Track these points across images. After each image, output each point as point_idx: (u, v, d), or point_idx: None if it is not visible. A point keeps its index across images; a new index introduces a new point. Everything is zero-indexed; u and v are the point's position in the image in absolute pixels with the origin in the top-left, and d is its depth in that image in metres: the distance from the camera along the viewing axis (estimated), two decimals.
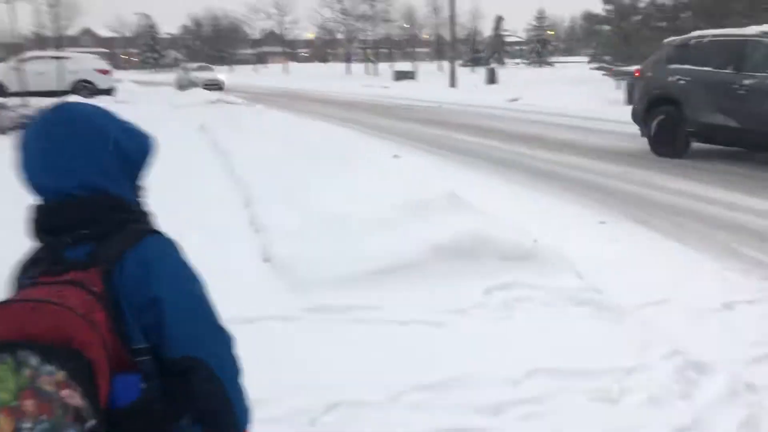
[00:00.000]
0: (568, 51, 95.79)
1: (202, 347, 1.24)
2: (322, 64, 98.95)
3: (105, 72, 22.88)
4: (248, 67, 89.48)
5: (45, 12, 38.32)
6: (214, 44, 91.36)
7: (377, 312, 3.79)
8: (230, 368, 1.28)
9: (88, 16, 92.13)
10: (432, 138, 12.86)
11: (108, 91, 22.75)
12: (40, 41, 50.07)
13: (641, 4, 33.14)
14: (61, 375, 1.03)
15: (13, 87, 19.86)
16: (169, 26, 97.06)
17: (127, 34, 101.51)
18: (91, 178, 1.27)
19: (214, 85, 31.39)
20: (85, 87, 22.42)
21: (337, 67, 78.31)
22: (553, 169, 9.26)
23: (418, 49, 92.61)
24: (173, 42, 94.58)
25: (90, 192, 1.26)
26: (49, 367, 1.03)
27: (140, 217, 1.33)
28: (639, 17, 33.01)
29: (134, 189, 1.36)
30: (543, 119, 16.16)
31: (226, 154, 9.26)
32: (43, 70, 21.65)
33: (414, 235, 4.52)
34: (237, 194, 6.86)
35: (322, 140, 10.62)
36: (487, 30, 76.56)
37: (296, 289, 4.11)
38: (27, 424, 0.99)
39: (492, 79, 31.25)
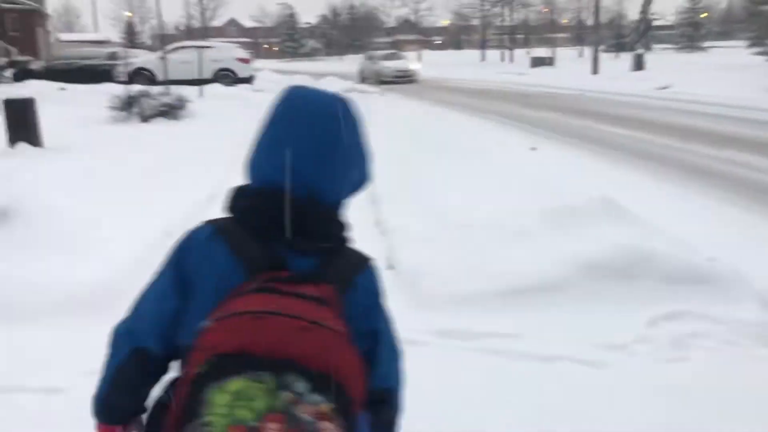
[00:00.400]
0: (724, 35, 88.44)
1: (396, 378, 1.29)
2: (456, 52, 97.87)
3: (245, 61, 23.53)
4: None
5: (193, 4, 40.62)
6: (350, 33, 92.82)
7: (515, 342, 3.20)
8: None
9: (234, 7, 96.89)
10: (572, 129, 11.91)
11: (248, 80, 23.39)
12: (189, 32, 53.16)
13: None
14: (326, 407, 0.99)
15: (160, 76, 20.89)
16: (308, 16, 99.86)
17: (269, 24, 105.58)
18: (349, 189, 1.25)
19: (406, 77, 28.10)
20: (227, 75, 23.15)
21: (472, 54, 76.96)
22: (717, 167, 8.14)
23: (556, 35, 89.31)
24: (311, 31, 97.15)
25: (337, 204, 1.22)
26: (317, 397, 0.99)
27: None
28: None
29: None
30: (697, 109, 14.62)
31: None
32: (187, 60, 22.58)
33: (558, 249, 3.87)
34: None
35: (453, 131, 10.07)
36: (632, 13, 72.12)
37: (421, 305, 3.60)
38: None
39: (639, 65, 29.09)
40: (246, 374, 0.97)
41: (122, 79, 21.02)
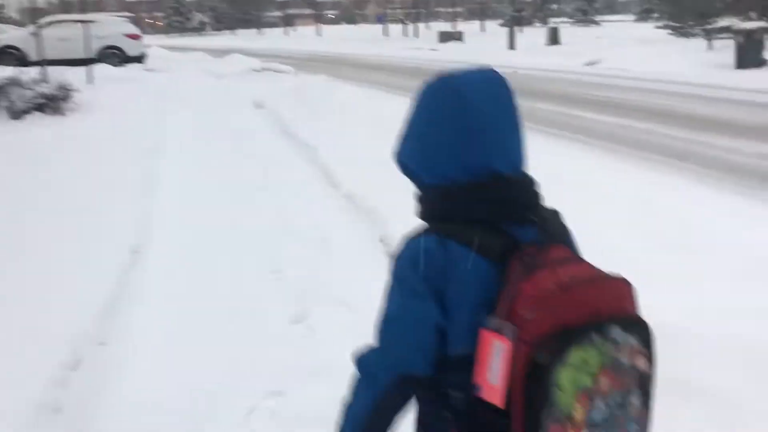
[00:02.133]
0: (610, 9, 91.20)
1: None
2: (351, 26, 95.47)
3: (135, 37, 20.52)
4: (276, 31, 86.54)
5: None
6: (240, 6, 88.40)
7: None
8: None
9: None
10: (541, 116, 10.33)
11: (139, 59, 20.44)
12: (63, 6, 47.91)
13: None
14: (636, 343, 1.08)
15: (33, 56, 17.69)
16: None
17: None
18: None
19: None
20: (114, 54, 20.10)
21: (370, 30, 74.97)
22: (750, 162, 6.76)
23: (449, 10, 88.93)
24: (199, 4, 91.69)
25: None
26: (629, 338, 1.07)
27: None
28: None
29: None
30: (649, 87, 13.52)
31: (306, 146, 6.91)
32: (66, 36, 19.36)
33: None
34: (356, 215, 4.53)
35: None
36: None
37: None
38: (600, 404, 1.04)
39: (554, 39, 28.29)
40: (582, 342, 1.02)
41: None
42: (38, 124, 8.25)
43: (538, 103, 11.72)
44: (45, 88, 8.81)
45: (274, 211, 4.92)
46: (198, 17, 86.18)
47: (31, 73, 9.66)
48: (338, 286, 3.26)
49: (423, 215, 1.22)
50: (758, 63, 16.41)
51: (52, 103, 8.80)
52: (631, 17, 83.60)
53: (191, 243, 4.20)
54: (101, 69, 17.62)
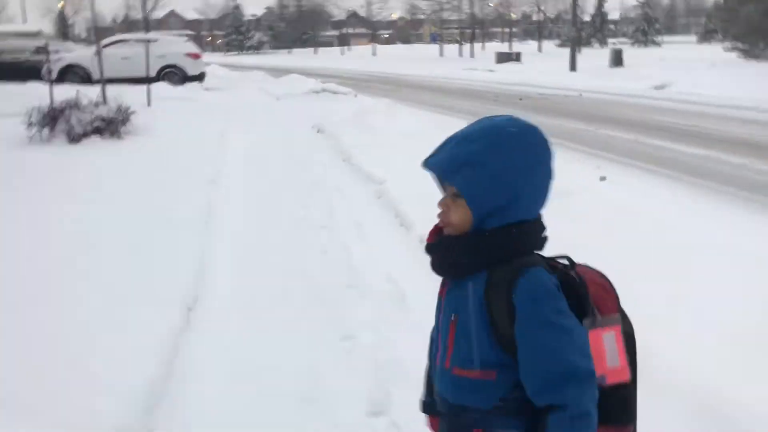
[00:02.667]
0: (670, 30, 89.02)
1: None
2: (405, 46, 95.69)
3: (195, 56, 20.59)
4: (331, 50, 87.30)
5: None
6: (298, 26, 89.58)
7: None
8: None
9: None
10: (621, 146, 9.65)
11: (199, 78, 20.49)
12: (128, 25, 49.20)
13: None
14: None
15: (96, 74, 17.88)
16: (254, 7, 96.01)
17: (212, 16, 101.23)
18: None
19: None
20: (174, 73, 20.21)
21: (424, 49, 74.84)
22: None
23: (505, 30, 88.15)
24: (257, 24, 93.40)
25: None
26: None
27: None
28: None
29: None
30: (730, 114, 12.66)
31: (371, 179, 6.45)
32: (128, 55, 19.54)
33: None
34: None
35: None
36: (588, 7, 71.15)
37: None
38: None
39: (618, 61, 27.37)
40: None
41: (50, 77, 17.90)
42: (95, 148, 7.99)
43: (612, 131, 11.05)
44: (104, 111, 8.60)
45: (338, 258, 4.46)
46: (257, 36, 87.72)
47: (91, 93, 9.51)
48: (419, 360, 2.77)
49: (496, 251, 1.30)
50: None
51: (110, 126, 8.58)
52: (693, 38, 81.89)
53: (246, 300, 3.77)
54: (161, 88, 17.67)
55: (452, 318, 1.33)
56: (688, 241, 4.54)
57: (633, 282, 2.80)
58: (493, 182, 1.28)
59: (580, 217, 4.97)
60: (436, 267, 1.37)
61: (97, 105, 8.85)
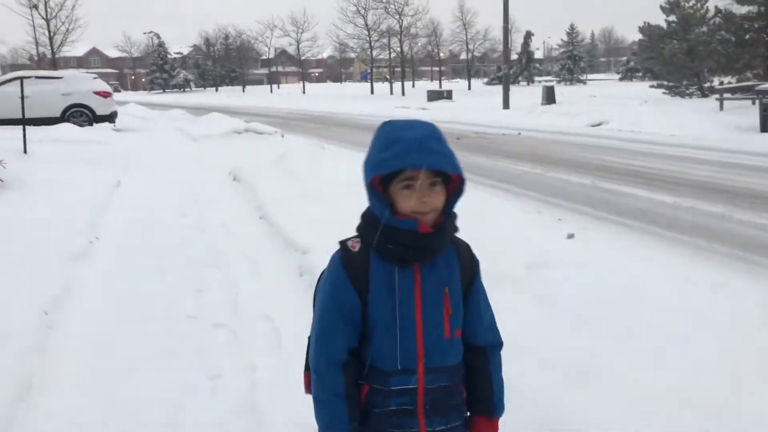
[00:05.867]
0: (592, 68, 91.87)
1: None
2: (336, 84, 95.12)
3: (105, 95, 18.86)
4: (261, 88, 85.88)
5: (39, 27, 34.63)
6: (225, 64, 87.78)
7: None
8: None
9: (95, 35, 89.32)
10: (576, 191, 8.64)
11: (110, 118, 18.73)
12: (40, 63, 46.40)
13: (709, 14, 29.16)
14: None
15: None
16: (179, 45, 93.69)
17: (136, 54, 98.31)
18: None
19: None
20: (81, 113, 18.41)
21: (355, 87, 74.38)
22: None
23: (434, 68, 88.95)
24: (183, 62, 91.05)
25: None
26: None
27: None
28: (705, 29, 28.97)
29: None
30: (677, 154, 11.99)
31: (294, 248, 5.06)
32: (27, 94, 17.64)
33: None
34: None
35: None
36: (514, 47, 72.32)
37: None
38: None
39: (551, 98, 27.05)
40: None
41: None
42: None
43: (562, 173, 10.07)
44: None
45: (238, 395, 3.07)
46: (182, 74, 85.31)
47: None
48: None
49: (456, 227, 1.60)
50: None
51: None
52: (614, 76, 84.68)
53: None
54: (65, 130, 15.90)
55: (444, 290, 1.56)
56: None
57: None
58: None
59: (569, 312, 3.76)
60: (424, 253, 1.52)
61: None
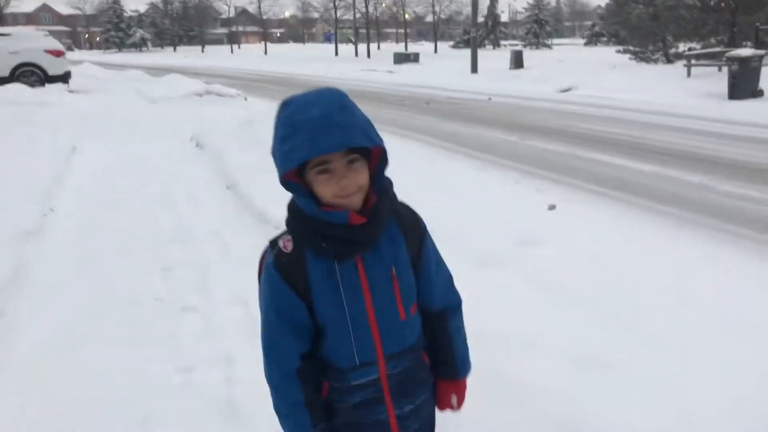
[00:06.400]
0: (557, 33, 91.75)
1: None
2: (298, 45, 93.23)
3: (58, 53, 17.93)
4: (220, 48, 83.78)
5: None
6: (183, 23, 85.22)
7: None
8: None
9: None
10: (552, 159, 8.42)
11: (63, 78, 17.85)
12: None
13: None
14: None
15: None
16: (135, 3, 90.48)
17: (90, 11, 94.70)
18: None
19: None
20: (32, 72, 17.50)
21: (318, 49, 72.96)
22: None
23: (399, 30, 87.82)
24: (140, 20, 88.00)
25: None
26: None
27: None
28: None
29: None
30: (649, 121, 11.85)
31: (269, 221, 4.73)
32: None
33: None
34: None
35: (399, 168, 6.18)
36: (480, 9, 71.48)
37: None
38: None
39: (519, 63, 26.77)
40: None
41: None
42: None
43: (537, 141, 9.83)
44: None
45: (212, 400, 2.76)
46: (139, 33, 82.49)
47: None
48: None
49: (394, 199, 1.47)
50: (753, 93, 15.03)
51: None
52: (579, 41, 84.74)
53: None
54: (14, 90, 15.09)
55: (393, 272, 1.44)
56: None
57: None
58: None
59: (558, 286, 3.52)
60: (362, 245, 1.39)
61: None
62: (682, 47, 28.38)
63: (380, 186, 1.39)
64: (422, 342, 1.54)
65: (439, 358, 1.58)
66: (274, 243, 1.44)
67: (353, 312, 1.41)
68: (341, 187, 1.33)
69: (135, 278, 3.86)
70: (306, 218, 1.36)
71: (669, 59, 28.08)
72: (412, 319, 1.48)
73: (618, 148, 9.08)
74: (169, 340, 3.03)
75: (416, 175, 7.21)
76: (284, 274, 1.39)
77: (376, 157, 1.38)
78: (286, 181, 1.35)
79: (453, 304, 1.57)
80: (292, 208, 1.41)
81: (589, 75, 21.97)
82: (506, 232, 4.60)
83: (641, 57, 29.10)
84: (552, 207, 5.93)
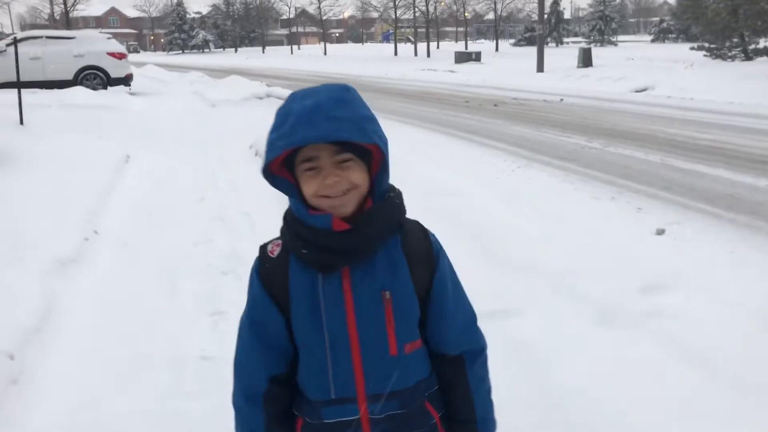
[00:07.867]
0: (622, 29, 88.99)
1: None
2: (357, 45, 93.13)
3: (119, 56, 17.85)
4: (280, 49, 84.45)
5: None
6: (245, 24, 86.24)
7: None
8: None
9: None
10: (647, 172, 7.52)
11: (125, 80, 17.78)
12: (56, 23, 45.18)
13: None
14: None
15: (1, 77, 15.08)
16: (198, 5, 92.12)
17: (155, 14, 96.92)
18: None
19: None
20: (95, 75, 17.48)
21: (377, 48, 72.62)
22: None
23: (459, 29, 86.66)
24: (202, 22, 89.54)
25: None
26: None
27: None
28: None
29: None
30: (745, 125, 10.74)
31: None
32: (38, 55, 16.76)
33: None
34: None
35: (477, 187, 5.44)
36: (530, 7, 69.83)
37: None
38: None
39: (588, 61, 25.58)
40: None
41: None
42: None
43: (624, 149, 8.88)
44: None
45: None
46: (201, 35, 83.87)
47: None
48: None
49: (400, 211, 1.27)
50: None
51: None
52: (645, 37, 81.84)
53: None
54: (78, 93, 15.01)
55: (386, 296, 1.24)
56: None
57: None
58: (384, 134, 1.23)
59: None
60: (345, 256, 1.22)
61: None
62: (763, 43, 26.67)
63: (379, 191, 1.23)
64: (427, 390, 1.31)
65: (456, 416, 1.34)
66: (263, 247, 1.31)
67: (333, 333, 1.24)
68: (325, 185, 1.18)
69: (181, 326, 3.26)
70: (293, 220, 1.24)
71: (748, 56, 26.39)
72: (408, 359, 1.27)
73: (718, 158, 8.10)
74: (220, 424, 2.41)
75: (493, 188, 6.48)
76: (265, 282, 1.27)
77: (379, 160, 1.22)
78: (272, 175, 1.22)
79: (475, 348, 1.35)
80: (287, 211, 1.29)
81: (663, 73, 20.69)
82: (623, 272, 3.83)
83: (717, 54, 27.48)
84: (661, 232, 5.13)
